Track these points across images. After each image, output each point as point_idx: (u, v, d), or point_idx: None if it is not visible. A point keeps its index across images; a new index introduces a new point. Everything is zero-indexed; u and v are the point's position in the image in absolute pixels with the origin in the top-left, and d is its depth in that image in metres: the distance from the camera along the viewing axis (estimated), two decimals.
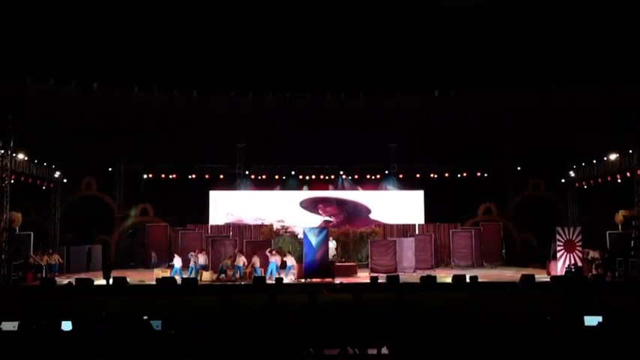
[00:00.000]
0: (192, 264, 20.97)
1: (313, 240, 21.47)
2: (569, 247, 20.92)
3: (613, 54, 26.88)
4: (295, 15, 29.34)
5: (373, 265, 22.92)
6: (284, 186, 28.71)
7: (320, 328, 8.41)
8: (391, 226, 27.06)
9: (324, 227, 23.83)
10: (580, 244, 21.01)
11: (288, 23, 29.58)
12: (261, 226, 26.65)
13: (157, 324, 8.20)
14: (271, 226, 26.28)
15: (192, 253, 21.39)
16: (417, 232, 26.20)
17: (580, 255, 20.85)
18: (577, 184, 25.60)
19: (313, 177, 28.68)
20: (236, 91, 30.00)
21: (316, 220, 27.98)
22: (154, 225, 26.49)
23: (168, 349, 7.45)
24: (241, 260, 20.99)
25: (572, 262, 20.75)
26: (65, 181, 26.27)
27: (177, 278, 19.51)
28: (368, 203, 28.93)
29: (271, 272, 20.50)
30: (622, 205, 21.35)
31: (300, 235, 24.16)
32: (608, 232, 21.46)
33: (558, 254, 21.02)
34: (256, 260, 21.09)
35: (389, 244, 23.64)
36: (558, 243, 21.14)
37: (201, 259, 21.31)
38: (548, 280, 19.52)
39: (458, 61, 29.96)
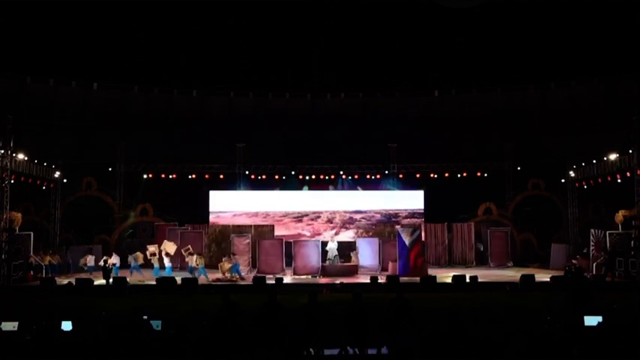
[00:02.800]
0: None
1: (407, 240, 21.12)
2: (598, 249, 21.77)
3: (613, 54, 26.91)
4: (295, 15, 29.37)
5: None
6: (284, 186, 28.67)
7: (320, 328, 8.39)
8: (391, 225, 27.06)
9: (417, 226, 23.58)
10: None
11: (289, 23, 29.62)
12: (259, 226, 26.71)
13: (156, 324, 8.20)
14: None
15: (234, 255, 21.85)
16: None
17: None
18: (577, 184, 25.56)
19: (313, 177, 28.64)
20: (236, 91, 30.03)
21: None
22: (161, 224, 26.35)
23: (168, 349, 7.43)
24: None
25: (573, 262, 20.80)
26: (65, 181, 26.23)
27: (178, 279, 19.48)
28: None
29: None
30: (622, 205, 21.33)
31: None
32: (608, 232, 21.46)
33: (592, 254, 22.04)
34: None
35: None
36: (592, 244, 22.13)
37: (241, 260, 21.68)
38: (548, 280, 19.51)
39: (458, 61, 29.99)
